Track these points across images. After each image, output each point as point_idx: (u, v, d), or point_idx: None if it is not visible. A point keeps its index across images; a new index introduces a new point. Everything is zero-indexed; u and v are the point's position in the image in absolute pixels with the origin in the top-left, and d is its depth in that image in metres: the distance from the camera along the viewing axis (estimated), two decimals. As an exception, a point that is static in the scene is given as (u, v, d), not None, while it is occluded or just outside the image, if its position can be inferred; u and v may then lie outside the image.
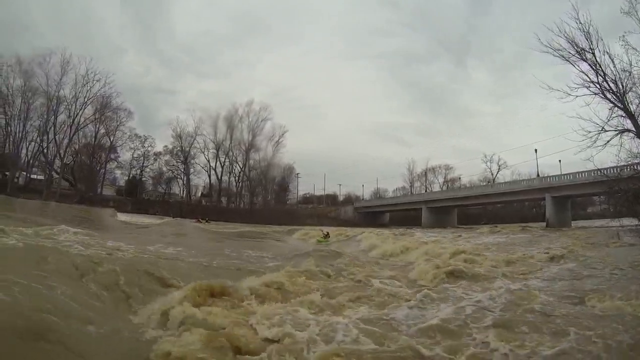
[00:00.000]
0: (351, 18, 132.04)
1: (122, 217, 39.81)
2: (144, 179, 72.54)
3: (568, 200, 45.27)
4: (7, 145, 57.64)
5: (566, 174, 42.73)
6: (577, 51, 16.31)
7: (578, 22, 16.06)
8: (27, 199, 41.48)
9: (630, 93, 15.11)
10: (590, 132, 14.68)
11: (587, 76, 15.96)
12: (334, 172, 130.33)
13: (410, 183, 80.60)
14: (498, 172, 71.30)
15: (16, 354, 3.51)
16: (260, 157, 73.27)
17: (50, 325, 4.10)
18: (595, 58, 15.87)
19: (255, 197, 74.33)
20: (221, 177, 72.89)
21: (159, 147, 71.90)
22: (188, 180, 72.09)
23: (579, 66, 16.34)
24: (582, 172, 38.48)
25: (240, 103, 74.64)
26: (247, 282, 7.06)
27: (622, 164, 14.97)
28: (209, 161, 72.18)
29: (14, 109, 56.56)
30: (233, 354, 4.21)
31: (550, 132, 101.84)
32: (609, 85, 15.52)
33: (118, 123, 64.27)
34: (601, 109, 15.18)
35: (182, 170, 71.67)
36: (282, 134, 73.18)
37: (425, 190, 74.90)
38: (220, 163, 72.36)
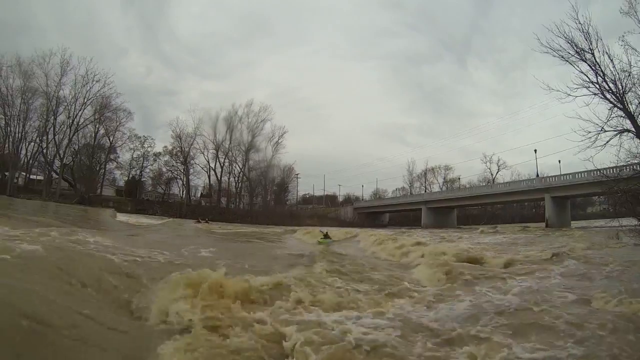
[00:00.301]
0: (356, 19, 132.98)
1: (121, 217, 39.81)
2: (143, 179, 72.71)
3: (567, 200, 45.34)
4: (7, 145, 57.59)
5: (566, 174, 42.85)
6: (576, 51, 16.33)
7: (577, 22, 16.09)
8: (26, 199, 41.55)
9: (629, 93, 15.13)
10: (589, 132, 14.70)
11: (587, 76, 15.98)
12: (338, 172, 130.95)
13: (410, 184, 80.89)
14: (497, 172, 71.60)
15: (19, 355, 3.52)
16: (259, 157, 73.33)
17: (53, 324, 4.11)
18: (595, 58, 15.89)
19: (254, 197, 74.39)
20: (221, 177, 72.95)
21: (159, 148, 72.09)
22: (188, 180, 72.07)
23: (578, 66, 16.35)
24: (581, 172, 38.50)
25: (240, 104, 74.68)
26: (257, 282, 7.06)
27: (622, 164, 14.98)
28: (208, 162, 72.13)
29: (13, 110, 56.52)
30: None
31: (551, 132, 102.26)
32: (608, 85, 15.53)
33: (118, 123, 64.33)
34: (601, 109, 15.20)
35: (182, 170, 71.58)
36: (282, 135, 73.31)
37: (425, 191, 74.96)
38: (220, 163, 72.32)
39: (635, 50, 14.84)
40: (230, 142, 71.58)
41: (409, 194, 77.46)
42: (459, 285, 8.64)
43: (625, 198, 14.82)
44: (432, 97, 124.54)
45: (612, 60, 15.52)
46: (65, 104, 59.37)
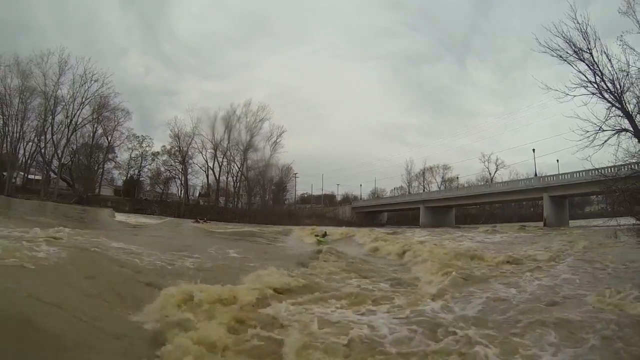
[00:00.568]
0: (356, 19, 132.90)
1: (120, 217, 39.74)
2: (141, 179, 72.45)
3: (566, 199, 45.39)
4: (5, 145, 57.36)
5: (564, 174, 42.90)
6: (574, 51, 16.35)
7: (575, 21, 16.11)
8: (24, 199, 41.45)
9: (627, 93, 15.15)
10: (587, 131, 14.71)
11: (585, 76, 15.99)
12: (338, 172, 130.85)
13: (408, 183, 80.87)
14: (496, 172, 71.60)
15: (21, 353, 3.52)
16: (258, 157, 73.21)
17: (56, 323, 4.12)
18: (593, 58, 15.91)
19: (253, 197, 74.32)
20: (219, 177, 72.90)
21: (157, 147, 71.89)
22: (186, 180, 71.98)
23: (576, 66, 16.37)
24: (579, 171, 38.63)
25: (239, 103, 74.55)
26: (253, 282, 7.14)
27: (620, 163, 15.01)
28: (206, 161, 72.02)
29: (11, 109, 56.22)
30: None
31: (550, 132, 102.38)
32: (606, 85, 15.55)
33: (116, 123, 64.11)
34: (599, 108, 15.22)
35: (180, 170, 71.52)
36: (280, 134, 73.24)
37: (423, 190, 74.97)
38: (218, 163, 72.27)
39: (634, 49, 14.87)
40: (229, 142, 71.62)
41: (407, 193, 77.51)
42: (460, 284, 8.69)
43: (623, 197, 14.83)
44: (432, 97, 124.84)
45: (610, 60, 15.54)
46: (64, 103, 59.27)
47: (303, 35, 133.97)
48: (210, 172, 72.51)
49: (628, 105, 15.07)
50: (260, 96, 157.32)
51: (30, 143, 59.82)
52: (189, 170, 71.95)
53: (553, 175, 45.28)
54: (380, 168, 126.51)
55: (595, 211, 59.95)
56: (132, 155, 69.51)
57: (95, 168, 64.87)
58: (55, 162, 60.75)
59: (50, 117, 58.59)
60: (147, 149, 70.64)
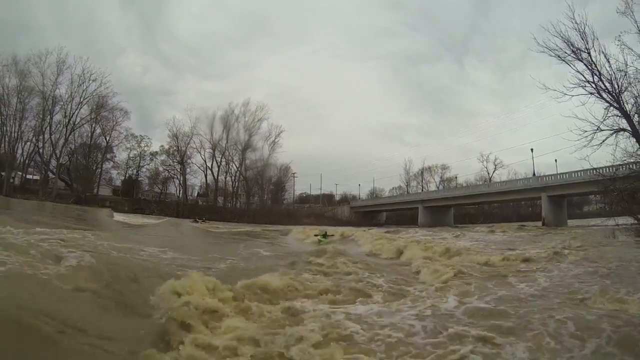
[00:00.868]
0: (356, 19, 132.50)
1: (118, 217, 39.66)
2: (140, 179, 72.21)
3: (564, 199, 45.48)
4: (3, 145, 57.21)
5: (562, 173, 42.94)
6: (572, 51, 16.39)
7: (574, 22, 16.17)
8: (23, 199, 41.36)
9: (625, 93, 15.19)
10: (586, 131, 14.77)
11: (583, 76, 16.07)
12: (337, 172, 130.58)
13: (407, 183, 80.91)
14: (494, 171, 71.65)
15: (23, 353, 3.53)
16: (256, 157, 73.17)
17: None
18: (591, 58, 15.96)
19: (251, 197, 74.26)
20: (217, 177, 72.79)
21: (155, 147, 71.65)
22: (184, 180, 71.94)
23: (575, 66, 16.42)
24: (578, 171, 38.69)
25: (237, 103, 74.46)
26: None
27: (618, 163, 15.04)
28: (205, 161, 71.96)
29: (9, 109, 56.06)
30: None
31: (549, 132, 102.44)
32: (604, 84, 15.60)
33: (114, 123, 63.84)
34: (597, 108, 15.28)
35: (179, 170, 71.47)
36: (279, 134, 73.13)
37: (422, 190, 74.99)
38: (217, 163, 72.23)
39: (632, 49, 14.91)
40: (227, 142, 71.60)
41: (405, 193, 77.55)
42: (461, 283, 8.72)
43: (622, 197, 14.90)
44: (432, 97, 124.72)
45: (608, 60, 15.59)
46: (62, 103, 59.05)
47: (303, 35, 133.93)
48: (209, 171, 72.63)
49: (626, 105, 15.14)
50: (260, 96, 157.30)
51: (29, 143, 59.64)
52: (188, 170, 72.10)
53: (551, 175, 45.33)
54: (379, 168, 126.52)
55: (594, 211, 60.05)
56: (131, 155, 69.37)
57: (94, 168, 64.65)
58: (53, 162, 60.55)
59: (49, 116, 58.46)
60: (146, 148, 70.48)
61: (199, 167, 72.44)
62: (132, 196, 66.55)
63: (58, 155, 59.95)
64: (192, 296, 5.48)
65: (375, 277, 9.34)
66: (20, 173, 60.84)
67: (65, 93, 58.89)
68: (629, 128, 14.74)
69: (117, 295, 6.21)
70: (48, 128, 58.75)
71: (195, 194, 76.97)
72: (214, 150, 71.28)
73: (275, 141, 72.85)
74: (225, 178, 74.08)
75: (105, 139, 64.78)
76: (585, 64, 16.17)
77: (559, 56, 16.72)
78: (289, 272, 8.85)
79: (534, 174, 52.36)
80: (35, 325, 3.94)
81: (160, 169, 72.29)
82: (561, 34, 16.44)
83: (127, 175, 70.77)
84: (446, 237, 26.09)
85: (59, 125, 59.56)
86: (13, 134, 57.04)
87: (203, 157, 71.68)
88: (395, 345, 4.78)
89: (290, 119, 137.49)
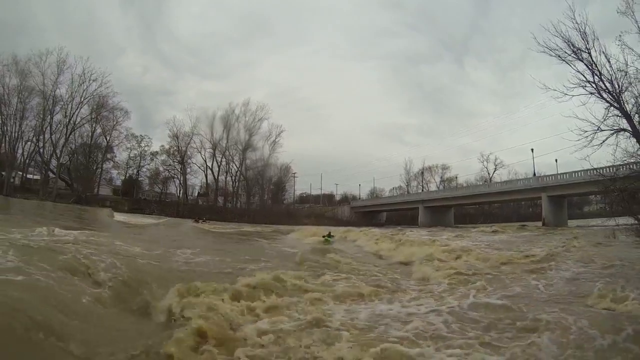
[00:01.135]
0: (356, 19, 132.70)
1: (119, 217, 39.63)
2: (140, 178, 72.34)
3: (564, 199, 45.49)
4: (3, 145, 57.28)
5: (562, 174, 42.96)
6: (573, 51, 16.37)
7: (574, 21, 16.12)
8: (23, 199, 41.40)
9: (626, 92, 15.18)
10: (586, 131, 14.74)
11: (584, 76, 16.01)
12: (338, 172, 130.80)
13: (407, 183, 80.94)
14: (494, 171, 71.70)
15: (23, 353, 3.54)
16: (256, 156, 73.27)
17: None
18: (591, 58, 15.93)
19: (252, 196, 74.27)
20: (218, 176, 72.90)
21: (156, 147, 71.73)
22: (185, 180, 72.04)
23: (575, 66, 16.38)
24: (578, 171, 38.70)
25: (237, 103, 74.51)
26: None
27: (618, 163, 15.04)
28: (205, 161, 72.09)
29: (10, 109, 56.16)
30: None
31: (549, 132, 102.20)
32: (605, 85, 15.57)
33: (114, 123, 63.96)
34: (597, 108, 15.24)
35: (179, 170, 71.57)
36: (279, 134, 73.23)
37: (422, 190, 75.03)
38: (217, 163, 72.37)
39: (632, 49, 14.90)
40: (227, 141, 71.70)
41: (406, 193, 77.59)
42: (459, 283, 8.74)
43: (622, 197, 14.87)
44: (432, 97, 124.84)
45: (608, 60, 15.56)
46: (62, 103, 59.14)
47: (303, 35, 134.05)
48: (209, 171, 72.74)
49: (626, 105, 15.10)
50: (260, 96, 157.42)
51: (29, 143, 59.72)
52: (188, 170, 72.22)
53: (552, 175, 45.37)
54: (379, 168, 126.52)
55: (594, 211, 60.09)
56: (131, 155, 69.48)
57: (94, 168, 64.67)
58: (53, 162, 60.64)
59: (49, 116, 58.56)
60: (146, 148, 70.63)
61: (199, 167, 72.70)
62: (132, 196, 66.62)
63: (58, 155, 60.11)
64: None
65: (381, 276, 9.41)
66: (20, 173, 60.87)
67: (66, 93, 59.14)
68: (629, 128, 14.72)
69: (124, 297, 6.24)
70: (48, 128, 58.97)
71: (196, 194, 77.06)
72: (214, 150, 71.53)
73: (275, 141, 73.10)
74: (226, 178, 74.36)
75: (106, 139, 65.02)
76: (585, 64, 16.15)
77: (559, 56, 16.68)
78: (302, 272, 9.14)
79: (534, 174, 52.40)
80: (33, 323, 3.96)
81: (161, 168, 72.57)
82: (561, 34, 16.41)
83: (128, 175, 70.99)
84: (448, 237, 26.11)
85: (59, 125, 59.80)
86: (13, 134, 57.24)
87: (203, 157, 71.94)
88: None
89: (290, 119, 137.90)
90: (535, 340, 4.70)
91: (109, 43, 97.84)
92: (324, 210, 77.67)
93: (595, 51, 15.85)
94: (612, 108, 15.19)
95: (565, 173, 42.17)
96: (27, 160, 61.06)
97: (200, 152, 71.64)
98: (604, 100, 15.47)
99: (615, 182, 14.63)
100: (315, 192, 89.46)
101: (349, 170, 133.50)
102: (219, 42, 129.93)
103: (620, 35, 15.12)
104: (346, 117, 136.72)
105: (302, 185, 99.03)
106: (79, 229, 15.99)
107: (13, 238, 9.42)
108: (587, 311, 5.81)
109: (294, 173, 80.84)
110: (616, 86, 15.29)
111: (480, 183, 66.43)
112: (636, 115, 14.79)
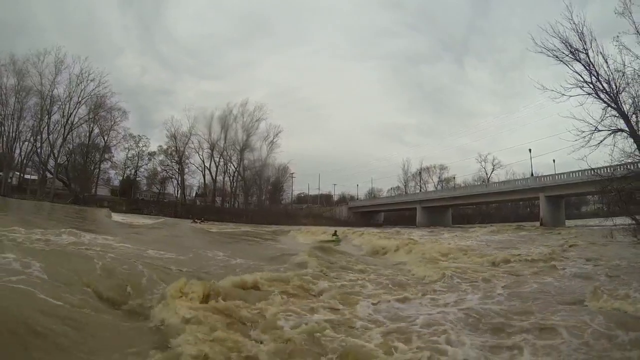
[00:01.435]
0: (356, 19, 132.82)
1: (116, 217, 39.48)
2: (138, 179, 72.23)
3: (562, 199, 45.66)
4: (1, 145, 57.07)
5: (560, 174, 43.04)
6: (570, 51, 16.45)
7: (572, 22, 16.21)
8: (21, 199, 41.25)
9: (623, 93, 15.26)
10: (583, 132, 14.80)
11: (581, 76, 16.10)
12: (337, 172, 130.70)
13: (405, 183, 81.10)
14: (492, 171, 71.94)
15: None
16: (254, 157, 73.22)
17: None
18: (589, 58, 16.02)
19: (249, 197, 74.29)
20: (216, 177, 72.80)
21: (154, 147, 71.58)
22: (183, 180, 71.87)
23: (572, 66, 16.46)
24: (576, 171, 38.81)
25: (235, 103, 74.36)
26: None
27: (616, 163, 15.11)
28: (203, 161, 71.97)
29: (7, 109, 56.02)
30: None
31: (547, 132, 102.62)
32: (602, 85, 15.65)
33: (112, 123, 63.80)
34: (595, 108, 15.31)
35: (177, 170, 71.48)
36: (277, 134, 73.16)
37: (420, 190, 75.16)
38: (215, 163, 72.24)
39: (630, 50, 14.97)
40: (225, 142, 71.64)
41: (403, 193, 77.70)
42: (459, 283, 8.78)
43: (619, 197, 14.95)
44: (431, 97, 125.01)
45: (606, 60, 15.65)
46: (60, 103, 58.96)
47: (303, 35, 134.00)
48: (207, 172, 72.63)
49: (624, 106, 15.18)
50: (259, 96, 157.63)
51: (27, 143, 59.50)
52: (186, 170, 72.13)
53: (549, 175, 45.47)
54: (378, 168, 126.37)
55: (592, 211, 60.28)
56: (129, 155, 69.36)
57: (92, 168, 64.47)
58: (51, 162, 60.55)
59: (47, 116, 58.33)
60: (144, 148, 70.48)
61: (197, 167, 72.63)
62: (130, 196, 66.47)
63: (56, 155, 60.01)
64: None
65: (380, 276, 9.46)
66: (18, 173, 60.66)
67: (64, 93, 58.95)
68: (626, 128, 14.79)
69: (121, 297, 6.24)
70: (46, 128, 58.82)
71: (194, 194, 77.11)
72: (212, 151, 71.46)
73: (273, 141, 73.06)
74: (224, 178, 74.29)
75: (104, 139, 64.87)
76: (583, 65, 16.24)
77: (557, 57, 16.77)
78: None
79: (532, 174, 52.57)
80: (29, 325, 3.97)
81: (159, 169, 72.50)
82: (559, 35, 16.49)
83: (125, 175, 70.76)
84: (445, 237, 26.20)
85: (57, 125, 59.62)
86: (11, 134, 57.04)
87: (201, 157, 71.85)
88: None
89: (290, 119, 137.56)
90: (551, 343, 4.70)
91: (108, 43, 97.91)
92: (322, 210, 77.76)
93: (593, 52, 15.95)
94: (609, 108, 15.27)
95: (563, 173, 42.29)
96: (25, 161, 60.90)
97: (198, 153, 71.72)
98: (601, 101, 15.55)
99: (612, 183, 14.70)
100: (313, 192, 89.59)
101: (348, 170, 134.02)
102: (218, 42, 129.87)
103: (617, 36, 15.20)
104: (346, 117, 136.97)
105: (300, 186, 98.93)
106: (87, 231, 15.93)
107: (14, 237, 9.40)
108: (594, 311, 5.81)
109: (292, 173, 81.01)
110: (614, 87, 15.38)
111: (478, 183, 66.63)
112: (633, 116, 14.86)
